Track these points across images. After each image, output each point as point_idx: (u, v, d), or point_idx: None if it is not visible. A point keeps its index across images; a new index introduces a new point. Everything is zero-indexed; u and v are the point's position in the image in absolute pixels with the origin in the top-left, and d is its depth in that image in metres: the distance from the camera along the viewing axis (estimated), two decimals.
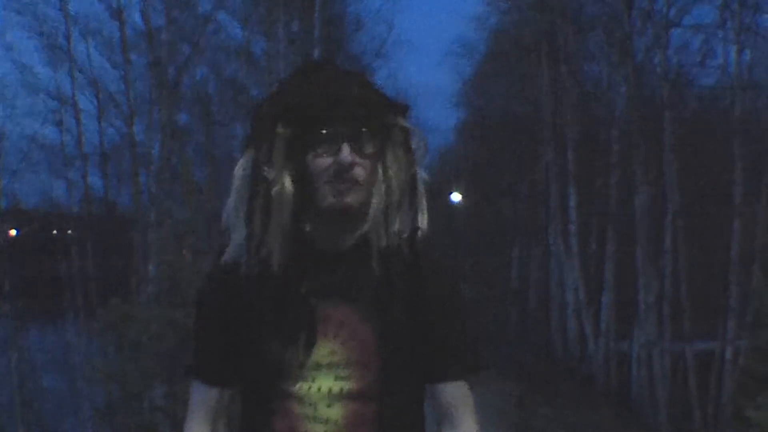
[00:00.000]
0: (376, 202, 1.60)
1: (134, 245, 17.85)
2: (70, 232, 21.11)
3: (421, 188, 1.64)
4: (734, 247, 16.75)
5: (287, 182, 1.54)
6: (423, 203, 1.64)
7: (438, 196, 28.89)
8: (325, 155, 1.53)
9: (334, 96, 1.53)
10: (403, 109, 1.62)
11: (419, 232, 1.63)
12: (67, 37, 19.27)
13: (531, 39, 22.14)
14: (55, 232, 23.08)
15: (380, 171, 1.60)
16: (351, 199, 1.55)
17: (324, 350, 1.60)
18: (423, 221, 1.63)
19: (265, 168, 1.54)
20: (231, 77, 21.94)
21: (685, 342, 17.53)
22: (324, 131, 1.53)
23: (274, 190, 1.54)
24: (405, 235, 1.62)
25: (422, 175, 1.65)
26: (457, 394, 1.72)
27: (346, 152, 1.52)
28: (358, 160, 1.54)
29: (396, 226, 1.61)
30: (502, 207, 27.18)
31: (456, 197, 30.91)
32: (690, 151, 18.18)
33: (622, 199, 18.96)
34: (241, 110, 20.79)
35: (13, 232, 21.67)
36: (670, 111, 17.57)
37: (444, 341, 1.65)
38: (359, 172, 1.55)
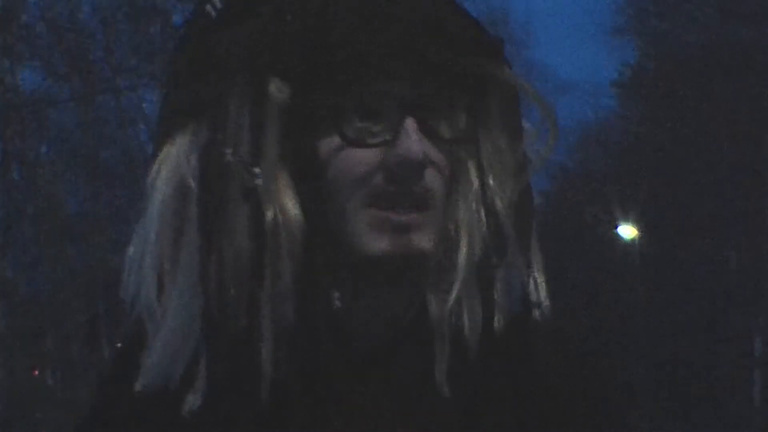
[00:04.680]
0: (469, 244, 1.27)
1: None
2: None
3: (533, 219, 1.35)
4: None
5: (289, 201, 1.22)
6: (538, 252, 1.34)
7: (588, 228, 27.00)
8: (366, 143, 1.22)
9: (383, 17, 1.22)
10: (495, 47, 1.30)
11: (537, 312, 1.32)
12: None
13: None
14: None
15: (475, 180, 1.28)
16: (420, 241, 1.23)
17: None
18: (542, 291, 1.33)
19: (255, 170, 1.20)
20: None
21: None
22: (367, 90, 1.21)
23: (268, 216, 1.20)
24: (509, 317, 1.30)
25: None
26: None
27: (414, 137, 1.19)
28: (432, 152, 1.23)
29: (498, 295, 1.29)
30: (723, 249, 24.32)
31: (627, 232, 27.49)
32: None
33: None
34: (155, 61, 18.31)
35: None
36: None
37: None
38: (432, 179, 1.23)
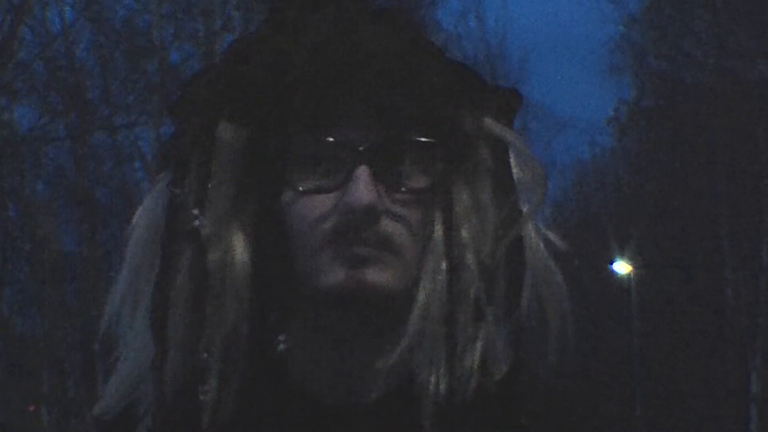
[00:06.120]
0: (426, 296, 1.24)
1: None
2: None
3: (523, 275, 1.29)
4: None
5: (238, 244, 1.24)
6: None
7: (584, 266, 25.54)
8: (319, 190, 1.24)
9: (344, 62, 1.23)
10: (502, 99, 1.30)
11: (528, 374, 1.31)
12: None
13: None
14: None
15: (439, 230, 1.26)
16: (376, 276, 1.20)
17: None
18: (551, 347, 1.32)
19: (194, 211, 1.23)
20: (125, 27, 19.25)
21: None
22: (319, 139, 1.23)
23: (211, 258, 1.22)
24: (496, 377, 1.27)
25: (544, 234, 1.31)
26: None
27: (363, 185, 1.19)
28: (388, 202, 1.22)
29: (474, 357, 1.25)
30: (719, 286, 23.47)
31: (622, 268, 26.70)
32: None
33: None
34: (151, 98, 18.43)
35: None
36: None
37: None
38: (391, 227, 1.22)
